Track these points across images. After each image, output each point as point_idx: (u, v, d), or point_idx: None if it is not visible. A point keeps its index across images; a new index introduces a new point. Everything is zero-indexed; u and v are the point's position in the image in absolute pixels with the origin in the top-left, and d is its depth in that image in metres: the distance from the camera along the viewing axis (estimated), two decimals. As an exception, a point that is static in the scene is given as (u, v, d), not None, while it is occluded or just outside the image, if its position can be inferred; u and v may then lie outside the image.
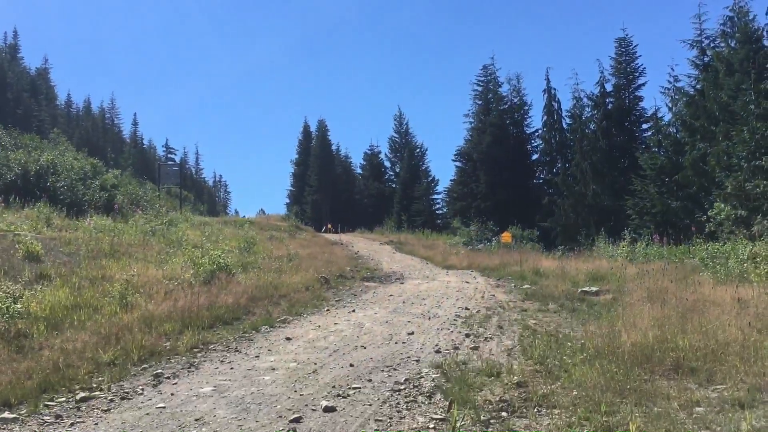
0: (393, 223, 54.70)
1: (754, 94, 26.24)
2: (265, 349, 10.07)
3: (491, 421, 6.16)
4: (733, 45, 31.37)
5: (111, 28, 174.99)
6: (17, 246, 14.84)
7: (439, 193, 61.75)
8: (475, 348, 9.83)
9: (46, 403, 7.15)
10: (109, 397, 7.35)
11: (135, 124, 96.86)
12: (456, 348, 9.85)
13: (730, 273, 15.50)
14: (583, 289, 16.23)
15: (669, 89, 36.89)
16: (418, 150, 68.08)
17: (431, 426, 6.10)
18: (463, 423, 6.10)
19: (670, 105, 36.44)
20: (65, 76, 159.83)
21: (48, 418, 6.66)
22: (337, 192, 71.76)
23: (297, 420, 6.28)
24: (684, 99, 33.97)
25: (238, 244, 23.38)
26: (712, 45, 34.48)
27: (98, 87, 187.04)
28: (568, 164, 44.37)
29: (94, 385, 7.84)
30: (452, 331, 11.33)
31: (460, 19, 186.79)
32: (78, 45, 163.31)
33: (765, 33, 27.82)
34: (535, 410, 6.41)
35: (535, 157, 50.73)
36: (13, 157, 26.58)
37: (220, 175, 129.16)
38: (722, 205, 26.00)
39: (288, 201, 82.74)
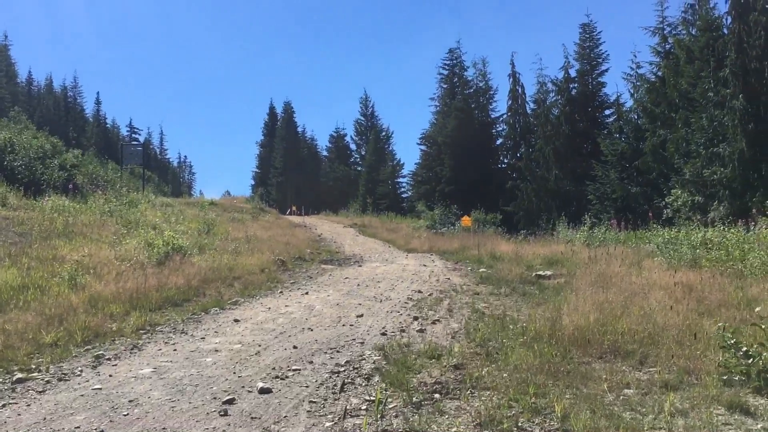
0: (358, 206, 54.73)
1: (713, 81, 26.56)
2: (212, 330, 10.05)
3: (423, 402, 6.21)
4: (693, 33, 31.71)
5: (73, 4, 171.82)
6: (-35, 225, 14.63)
7: (404, 177, 61.79)
8: (422, 331, 9.90)
9: (-19, 384, 7.09)
10: (47, 379, 7.30)
11: (98, 103, 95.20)
12: (402, 331, 9.90)
13: (683, 258, 15.72)
14: (538, 273, 16.41)
15: (631, 76, 37.27)
16: (383, 133, 68.08)
17: (363, 407, 6.14)
18: (395, 405, 6.15)
19: (632, 91, 36.81)
20: (26, 53, 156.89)
21: (-20, 399, 6.61)
22: (303, 174, 71.50)
23: (230, 401, 6.29)
24: (645, 86, 34.31)
25: (197, 225, 23.29)
26: (673, 32, 34.78)
27: (60, 64, 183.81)
28: (532, 149, 44.59)
29: (33, 366, 7.78)
30: (401, 314, 11.39)
31: (427, 2, 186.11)
32: (39, 21, 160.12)
33: (725, 21, 28.10)
34: (468, 392, 6.47)
35: (499, 141, 50.93)
36: (-30, 135, 26.15)
37: (185, 156, 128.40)
38: (679, 192, 26.41)
39: (253, 183, 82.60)
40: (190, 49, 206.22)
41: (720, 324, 7.32)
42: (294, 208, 47.84)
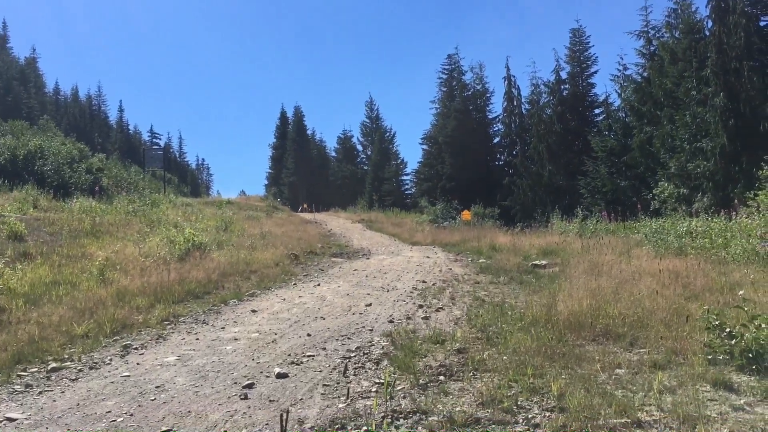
0: (365, 203, 54.79)
1: (695, 81, 26.50)
2: (231, 321, 10.10)
3: (429, 384, 6.24)
4: (677, 35, 31.60)
5: (97, 17, 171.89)
6: (1, 226, 14.70)
7: (407, 175, 61.72)
8: (426, 318, 9.93)
9: (19, 373, 7.14)
10: (79, 367, 7.35)
11: (121, 110, 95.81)
12: (408, 318, 9.93)
13: (670, 247, 15.70)
14: (534, 262, 16.39)
15: (618, 77, 37.30)
16: (387, 134, 67.95)
17: (373, 390, 6.17)
18: (403, 387, 6.19)
19: (619, 91, 36.80)
20: (53, 65, 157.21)
21: (18, 387, 6.65)
22: (313, 174, 71.59)
23: (250, 386, 6.33)
24: (632, 86, 34.22)
25: (215, 223, 23.33)
26: (657, 35, 34.76)
27: (85, 75, 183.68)
28: (527, 147, 44.56)
29: (66, 356, 7.84)
30: (407, 303, 11.41)
31: (427, 11, 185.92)
32: (65, 34, 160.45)
33: (705, 24, 28.01)
34: (471, 374, 6.50)
35: (496, 140, 50.78)
36: (2, 142, 26.29)
37: (203, 158, 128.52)
38: (666, 184, 26.38)
39: (267, 182, 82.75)
40: (207, 58, 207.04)
41: (705, 307, 7.32)
42: (305, 206, 47.93)
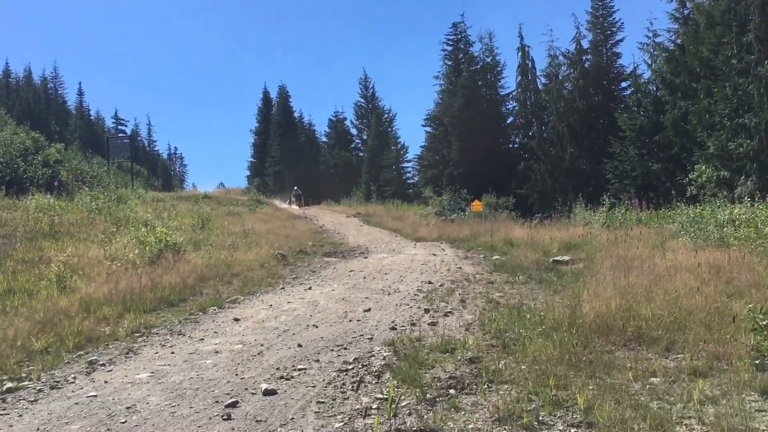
0: (361, 194, 54.88)
1: (735, 48, 26.40)
2: (211, 331, 10.11)
3: (437, 399, 6.25)
4: (714, -4, 31.51)
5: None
6: (-55, 229, 14.71)
7: (409, 161, 61.63)
8: (434, 324, 9.94)
9: (-30, 395, 7.15)
10: (38, 387, 7.35)
11: (80, 94, 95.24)
12: (413, 324, 9.94)
13: (710, 238, 15.72)
14: (555, 258, 16.42)
15: (648, 45, 37.01)
16: (385, 115, 67.98)
17: (375, 406, 6.18)
18: (408, 402, 6.19)
19: (649, 62, 36.61)
20: (2, 44, 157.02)
21: (-31, 411, 6.66)
22: (301, 162, 71.44)
23: (233, 405, 6.34)
24: (663, 55, 34.11)
25: (191, 220, 23.38)
26: (692, -4, 34.62)
27: (39, 55, 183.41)
28: (544, 127, 44.55)
29: (23, 375, 7.84)
30: (411, 307, 11.43)
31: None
32: (14, 8, 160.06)
33: (747, -18, 27.93)
34: (485, 386, 6.52)
35: (509, 120, 50.77)
36: (-58, 133, 26.32)
37: (175, 148, 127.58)
38: (703, 167, 26.34)
39: (249, 173, 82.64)
40: (175, 34, 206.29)
41: (750, 306, 7.32)
42: (293, 199, 47.78)
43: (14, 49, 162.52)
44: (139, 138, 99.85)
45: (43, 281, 12.27)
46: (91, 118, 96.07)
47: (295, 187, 42.56)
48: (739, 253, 12.88)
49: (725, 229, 16.28)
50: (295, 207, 42.34)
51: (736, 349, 6.93)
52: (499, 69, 51.69)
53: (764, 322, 6.77)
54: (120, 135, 74.98)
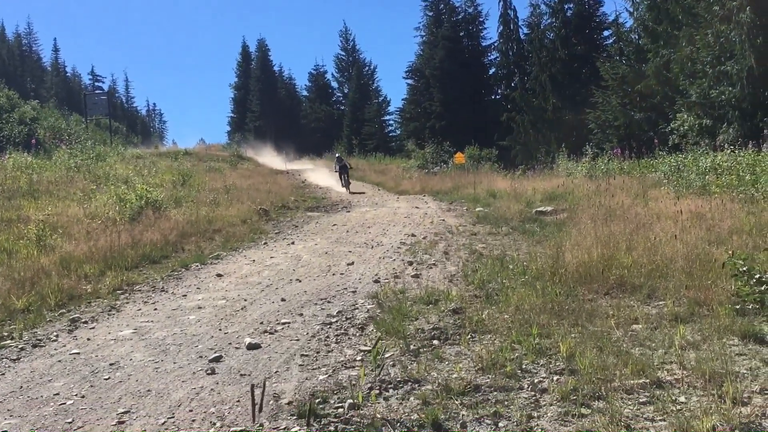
0: (343, 148, 54.57)
1: (718, -7, 26.29)
2: (194, 287, 10.11)
3: (421, 350, 6.29)
4: (696, -62, 31.25)
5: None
6: None
7: (391, 114, 61.46)
8: (417, 276, 9.98)
9: (-49, 355, 7.13)
10: (21, 346, 7.33)
11: (56, 50, 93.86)
12: (396, 277, 9.98)
13: (692, 186, 15.81)
14: (538, 209, 16.51)
15: (630, -8, 36.80)
16: (366, 68, 67.54)
17: (359, 358, 6.22)
18: (392, 354, 6.23)
19: (631, 10, 36.28)
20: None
21: (-49, 370, 6.65)
22: (282, 117, 70.92)
23: (217, 359, 6.36)
24: (645, 2, 33.83)
25: (172, 177, 23.25)
26: (673, -61, 34.31)
27: (11, 10, 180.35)
28: (527, 78, 44.41)
29: (5, 334, 7.81)
30: (395, 260, 11.47)
31: None
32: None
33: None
34: (468, 337, 6.55)
35: (492, 71, 50.58)
36: None
37: (154, 104, 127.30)
38: (685, 116, 26.32)
39: (229, 129, 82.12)
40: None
41: (731, 251, 7.38)
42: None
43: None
44: (116, 95, 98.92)
45: (23, 240, 12.18)
46: (68, 75, 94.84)
47: (338, 155, 33.59)
48: (721, 200, 12.97)
49: (707, 177, 16.37)
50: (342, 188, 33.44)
51: (716, 295, 6.99)
52: (480, 19, 51.46)
53: (744, 268, 6.82)
54: (97, 92, 74.06)
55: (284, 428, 4.75)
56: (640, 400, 4.83)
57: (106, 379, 6.03)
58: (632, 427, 4.43)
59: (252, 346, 6.72)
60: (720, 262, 7.80)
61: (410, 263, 11.06)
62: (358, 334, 7.07)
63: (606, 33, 42.38)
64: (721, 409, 4.50)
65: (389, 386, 5.45)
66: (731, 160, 17.24)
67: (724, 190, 14.38)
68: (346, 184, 29.45)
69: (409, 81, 53.71)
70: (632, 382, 5.09)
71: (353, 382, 5.53)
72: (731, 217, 11.18)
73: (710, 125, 25.23)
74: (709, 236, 10.02)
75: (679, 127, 26.48)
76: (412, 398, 5.17)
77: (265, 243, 14.38)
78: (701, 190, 15.06)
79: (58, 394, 5.75)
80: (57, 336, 7.68)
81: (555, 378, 5.35)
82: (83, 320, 8.36)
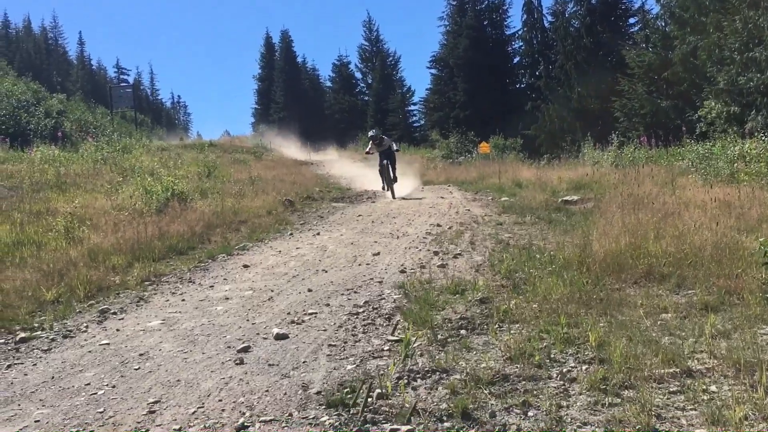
0: (367, 139, 54.54)
1: (746, -21, 26.00)
2: (221, 278, 10.15)
3: (449, 339, 6.29)
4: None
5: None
6: (-49, 182, 14.75)
7: (415, 104, 61.48)
8: (443, 266, 9.96)
9: (-16, 346, 7.22)
10: (51, 336, 7.41)
11: (81, 43, 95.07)
12: (422, 267, 9.96)
13: (720, 174, 15.69)
14: (564, 198, 16.45)
15: (656, -22, 36.51)
16: (390, 58, 67.58)
17: (386, 348, 6.23)
18: (419, 343, 6.23)
19: (657, -4, 36.11)
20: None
21: (-16, 361, 6.73)
22: (306, 108, 71.08)
23: (245, 350, 6.39)
24: (672, -11, 33.61)
25: (197, 169, 23.36)
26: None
27: (38, 3, 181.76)
28: (551, 66, 44.21)
29: (36, 325, 7.89)
30: (421, 250, 11.45)
31: None
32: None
33: None
34: (496, 326, 6.54)
35: (516, 60, 50.41)
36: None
37: (179, 96, 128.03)
38: (713, 103, 26.08)
39: (254, 120, 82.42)
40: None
41: (762, 239, 7.31)
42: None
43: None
44: (141, 87, 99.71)
45: (51, 232, 12.29)
46: (93, 68, 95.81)
47: (372, 133, 25.94)
48: (750, 188, 12.85)
49: (735, 164, 16.24)
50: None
51: (747, 284, 6.93)
52: (504, 8, 51.40)
53: (775, 256, 6.76)
54: (123, 84, 74.67)
55: (313, 417, 4.77)
56: (671, 390, 4.80)
57: (135, 369, 6.08)
58: (663, 416, 4.41)
59: (280, 337, 6.74)
60: (750, 250, 7.75)
61: (436, 253, 11.04)
62: (385, 324, 7.07)
63: (632, 20, 42.22)
64: (753, 398, 4.47)
65: (417, 376, 5.44)
66: (760, 147, 17.07)
67: (753, 178, 14.28)
68: (392, 182, 21.79)
69: (433, 71, 53.68)
70: (662, 371, 5.06)
71: (381, 372, 5.54)
72: (761, 205, 11.08)
73: (738, 112, 24.98)
74: (739, 225, 9.94)
75: (706, 115, 26.26)
76: (440, 388, 5.17)
77: (290, 234, 14.42)
78: (729, 178, 14.95)
79: (89, 384, 5.80)
80: (87, 327, 7.74)
81: (584, 367, 5.33)
82: (112, 311, 8.42)
